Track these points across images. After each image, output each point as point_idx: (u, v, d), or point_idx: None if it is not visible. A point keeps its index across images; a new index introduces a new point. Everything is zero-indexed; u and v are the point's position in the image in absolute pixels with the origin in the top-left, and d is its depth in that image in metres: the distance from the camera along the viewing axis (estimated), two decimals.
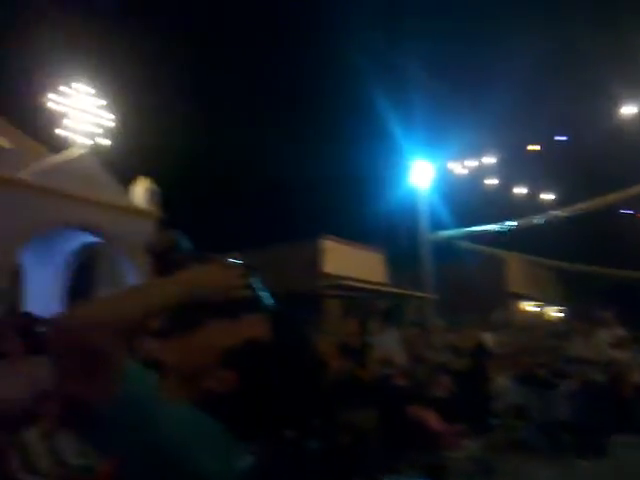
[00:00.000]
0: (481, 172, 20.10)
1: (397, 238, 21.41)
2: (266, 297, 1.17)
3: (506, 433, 6.84)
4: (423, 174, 19.13)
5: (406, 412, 5.66)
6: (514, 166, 20.32)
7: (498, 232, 19.58)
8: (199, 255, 1.26)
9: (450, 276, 20.84)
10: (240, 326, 1.12)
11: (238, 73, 31.80)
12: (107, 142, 15.72)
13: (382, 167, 21.30)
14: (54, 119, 14.85)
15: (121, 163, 16.12)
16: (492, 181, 20.45)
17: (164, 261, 1.25)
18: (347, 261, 19.42)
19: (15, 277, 13.90)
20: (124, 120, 16.46)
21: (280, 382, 1.07)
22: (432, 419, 5.76)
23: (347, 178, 24.60)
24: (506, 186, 20.74)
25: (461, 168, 19.92)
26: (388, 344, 6.91)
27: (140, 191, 15.57)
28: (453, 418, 5.97)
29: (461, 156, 19.83)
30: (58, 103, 14.86)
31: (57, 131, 14.88)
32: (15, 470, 3.80)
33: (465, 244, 21.51)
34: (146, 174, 15.88)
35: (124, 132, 16.55)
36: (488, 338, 9.31)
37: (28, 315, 8.33)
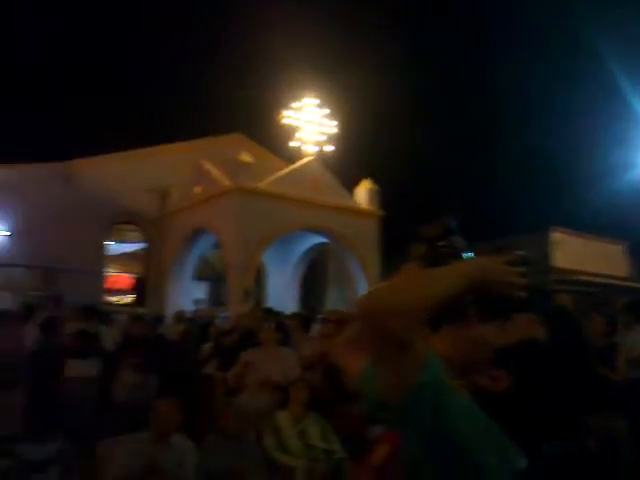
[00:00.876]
0: None
1: None
2: (539, 296, 1.10)
3: None
4: None
5: None
6: None
7: None
8: (471, 245, 1.20)
9: None
10: (514, 325, 1.07)
11: (454, 66, 31.14)
12: (331, 148, 16.74)
13: (623, 149, 18.98)
14: (289, 133, 16.32)
15: (344, 166, 17.03)
16: None
17: (436, 248, 1.20)
18: (581, 254, 17.93)
19: (259, 276, 15.61)
20: (345, 126, 17.37)
21: (556, 384, 1.00)
22: None
23: (582, 163, 22.35)
24: None
25: None
26: (638, 344, 6.19)
27: (362, 192, 16.29)
28: None
29: None
30: (292, 118, 16.30)
31: (291, 144, 16.32)
32: (270, 449, 4.24)
33: None
34: (367, 175, 16.58)
35: (346, 137, 17.47)
36: None
37: (271, 310, 9.25)
